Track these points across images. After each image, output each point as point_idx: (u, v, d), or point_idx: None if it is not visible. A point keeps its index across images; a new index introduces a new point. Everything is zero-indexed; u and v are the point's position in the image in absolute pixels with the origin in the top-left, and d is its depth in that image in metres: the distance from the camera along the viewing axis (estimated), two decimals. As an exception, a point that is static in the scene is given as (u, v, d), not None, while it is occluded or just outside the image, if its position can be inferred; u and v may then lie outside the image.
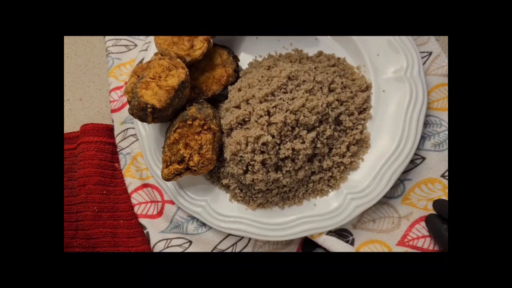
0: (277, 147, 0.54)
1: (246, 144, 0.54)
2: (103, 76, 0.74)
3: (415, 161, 0.60)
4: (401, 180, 0.60)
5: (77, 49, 0.77)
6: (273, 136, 0.53)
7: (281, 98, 0.55)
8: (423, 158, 0.60)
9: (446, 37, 0.63)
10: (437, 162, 0.59)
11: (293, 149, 0.53)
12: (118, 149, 0.68)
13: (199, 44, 0.60)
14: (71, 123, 0.72)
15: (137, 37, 0.74)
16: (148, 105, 0.53)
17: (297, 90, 0.56)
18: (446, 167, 0.59)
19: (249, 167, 0.55)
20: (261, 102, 0.55)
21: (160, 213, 0.64)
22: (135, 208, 0.64)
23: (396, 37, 0.60)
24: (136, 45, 0.73)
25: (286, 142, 0.54)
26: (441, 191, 0.58)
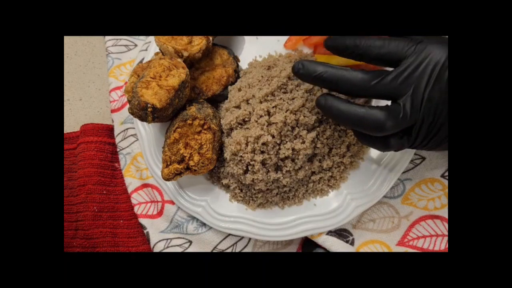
0: (277, 147, 0.54)
1: (246, 144, 0.54)
2: (103, 76, 0.74)
3: (415, 161, 0.60)
4: (401, 180, 0.60)
5: (77, 49, 0.77)
6: (273, 136, 0.53)
7: (281, 98, 0.55)
8: (423, 158, 0.60)
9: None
10: (437, 162, 0.59)
11: (293, 149, 0.54)
12: (118, 149, 0.68)
13: (198, 40, 0.60)
14: (71, 123, 0.72)
15: (137, 37, 0.74)
16: (149, 105, 0.53)
17: (297, 90, 0.56)
18: (446, 167, 0.59)
19: (249, 167, 0.55)
20: (261, 102, 0.55)
21: (160, 213, 0.64)
22: (135, 208, 0.64)
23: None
24: (136, 45, 0.73)
25: (286, 142, 0.54)
26: (441, 191, 0.58)
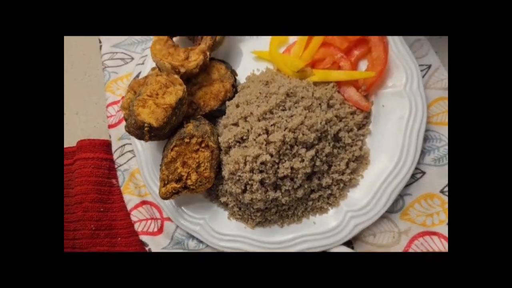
0: (276, 166, 0.53)
1: (245, 163, 0.53)
2: (99, 89, 0.73)
3: (416, 175, 0.60)
4: (401, 195, 0.59)
5: (73, 62, 0.76)
6: (271, 155, 0.52)
7: (279, 116, 0.54)
8: (423, 173, 0.59)
9: (446, 50, 0.63)
10: (437, 177, 0.59)
11: (292, 168, 0.53)
12: (116, 166, 0.67)
13: (195, 56, 0.59)
14: (68, 138, 0.71)
15: (133, 50, 0.73)
16: (145, 124, 0.52)
17: (295, 107, 0.55)
18: (446, 183, 0.58)
19: (248, 187, 0.54)
20: (259, 120, 0.54)
21: (160, 230, 0.63)
22: (136, 226, 0.63)
23: (396, 50, 0.60)
24: (132, 58, 0.72)
25: (285, 161, 0.53)
26: (439, 207, 0.58)
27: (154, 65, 0.65)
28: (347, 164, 0.57)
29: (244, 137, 0.55)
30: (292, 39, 0.66)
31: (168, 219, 0.63)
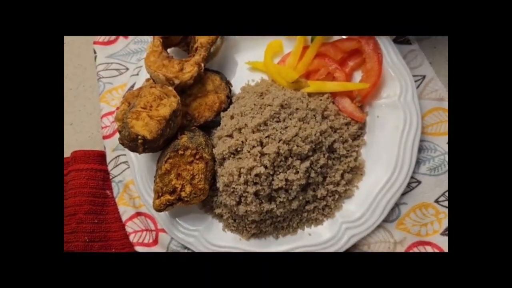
0: (270, 178, 0.53)
1: (239, 176, 0.53)
2: (94, 100, 0.73)
3: (411, 185, 0.60)
4: (397, 204, 0.59)
5: (68, 72, 0.76)
6: (266, 167, 0.52)
7: (273, 128, 0.54)
8: (419, 182, 0.60)
9: (440, 61, 0.63)
10: (432, 186, 0.59)
11: (286, 180, 0.53)
12: (110, 177, 0.66)
13: (189, 68, 0.59)
14: (62, 148, 0.71)
15: (128, 60, 0.73)
16: (139, 136, 0.52)
17: (290, 119, 0.55)
18: (441, 192, 0.58)
19: (242, 199, 0.54)
20: (253, 132, 0.54)
21: (155, 242, 0.63)
22: (131, 237, 0.63)
23: (390, 61, 0.60)
24: (127, 69, 0.72)
25: (279, 173, 0.53)
26: (434, 216, 0.58)
27: (148, 76, 0.65)
28: (342, 175, 0.57)
29: (239, 149, 0.55)
30: (286, 49, 0.66)
31: (163, 230, 0.63)
